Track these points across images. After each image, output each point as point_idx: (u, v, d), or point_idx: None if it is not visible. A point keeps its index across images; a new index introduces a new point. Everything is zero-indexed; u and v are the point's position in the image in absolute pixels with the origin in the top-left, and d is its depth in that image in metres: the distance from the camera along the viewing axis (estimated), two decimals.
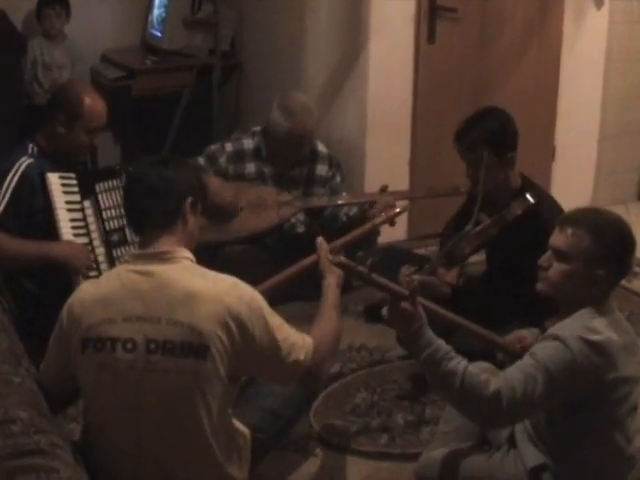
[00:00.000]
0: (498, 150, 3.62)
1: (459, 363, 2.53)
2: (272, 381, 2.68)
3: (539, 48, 5.58)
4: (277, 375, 2.61)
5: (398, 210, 3.74)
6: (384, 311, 2.68)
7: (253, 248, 4.51)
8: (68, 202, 3.63)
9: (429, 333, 2.59)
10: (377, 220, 3.62)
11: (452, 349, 2.58)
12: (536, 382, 2.49)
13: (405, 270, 3.72)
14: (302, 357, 2.59)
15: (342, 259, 2.71)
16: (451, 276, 3.78)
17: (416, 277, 3.57)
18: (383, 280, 2.67)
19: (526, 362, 2.56)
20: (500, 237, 3.66)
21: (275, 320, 2.58)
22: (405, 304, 2.60)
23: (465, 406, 2.59)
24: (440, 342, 2.57)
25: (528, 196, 3.55)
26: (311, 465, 3.36)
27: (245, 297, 2.52)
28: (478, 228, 3.55)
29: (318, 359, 2.63)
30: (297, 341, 2.60)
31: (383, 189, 4.48)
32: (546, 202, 3.69)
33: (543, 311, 2.95)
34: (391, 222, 3.75)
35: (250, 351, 2.50)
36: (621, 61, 5.89)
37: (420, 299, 2.66)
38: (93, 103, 3.71)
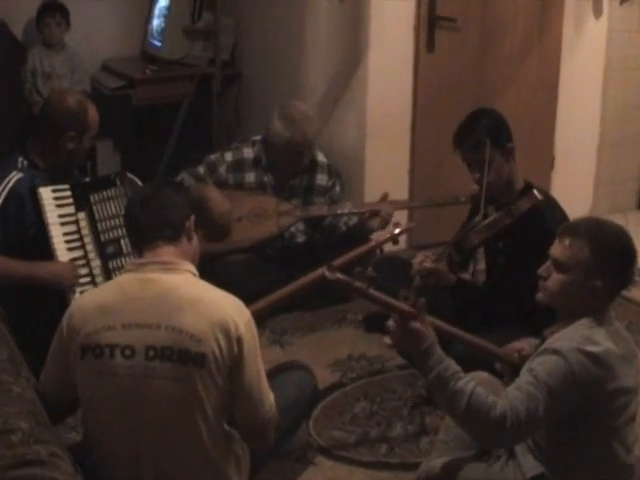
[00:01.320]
0: (500, 142, 3.69)
1: (467, 383, 2.52)
2: (236, 412, 2.62)
3: (538, 57, 5.59)
4: (244, 406, 2.59)
5: (402, 229, 3.77)
6: (386, 339, 2.67)
7: (253, 257, 4.51)
8: (61, 216, 3.57)
9: (439, 352, 2.59)
10: (381, 239, 3.66)
11: (461, 369, 2.58)
12: (538, 402, 2.49)
13: (418, 258, 3.76)
14: (271, 399, 2.64)
15: (339, 275, 2.70)
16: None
17: (427, 264, 3.63)
18: (381, 295, 2.67)
19: (526, 380, 2.55)
20: (502, 240, 3.69)
21: (260, 355, 2.61)
22: (415, 323, 2.60)
23: (470, 427, 2.58)
24: (450, 361, 2.57)
25: (535, 192, 3.61)
26: (310, 475, 3.35)
27: (246, 315, 2.56)
28: (487, 220, 3.62)
29: (275, 417, 2.67)
30: (268, 388, 2.64)
31: (384, 197, 4.50)
32: (551, 206, 3.72)
33: (543, 320, 2.95)
34: (395, 241, 3.78)
35: (238, 368, 2.51)
36: (620, 70, 5.89)
37: (428, 318, 2.66)
38: (93, 111, 3.72)
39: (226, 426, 2.59)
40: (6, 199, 3.52)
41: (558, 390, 2.51)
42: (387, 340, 2.65)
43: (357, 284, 2.64)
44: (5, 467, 2.01)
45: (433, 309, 2.70)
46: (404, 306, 2.62)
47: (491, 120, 3.75)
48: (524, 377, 2.59)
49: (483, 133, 3.65)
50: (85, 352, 2.51)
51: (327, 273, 2.74)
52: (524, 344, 3.10)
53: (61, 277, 3.50)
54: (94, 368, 2.52)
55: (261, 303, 3.15)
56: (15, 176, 3.56)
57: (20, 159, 3.64)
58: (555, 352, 2.55)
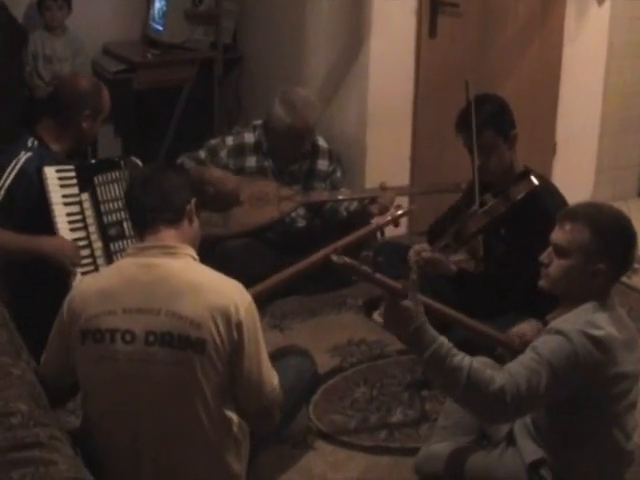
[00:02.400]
0: (503, 129, 3.69)
1: (464, 359, 2.52)
2: (238, 396, 2.62)
3: (541, 43, 5.57)
4: (246, 390, 2.59)
5: (403, 211, 3.76)
6: (375, 315, 2.68)
7: (254, 242, 4.51)
8: (65, 196, 3.59)
9: (431, 330, 2.57)
10: (382, 221, 3.65)
11: (454, 345, 2.57)
12: (540, 377, 2.49)
13: (415, 248, 3.77)
14: (275, 382, 2.65)
15: (346, 259, 2.70)
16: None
17: (425, 254, 3.63)
18: (387, 280, 2.67)
19: (529, 357, 2.55)
20: (503, 227, 3.69)
21: (262, 337, 2.61)
22: (406, 302, 2.58)
23: (470, 402, 2.58)
24: (443, 338, 2.56)
25: (532, 178, 3.60)
26: (310, 459, 3.35)
27: (247, 300, 2.56)
28: (485, 208, 3.60)
29: (279, 398, 2.68)
30: (271, 369, 2.65)
31: (383, 187, 4.50)
32: (550, 191, 3.72)
33: (545, 306, 2.95)
34: (395, 223, 3.77)
35: (238, 353, 2.51)
36: (622, 57, 5.88)
37: (422, 297, 2.65)
38: (106, 93, 3.80)
39: (226, 411, 2.59)
40: (16, 177, 3.53)
41: (560, 369, 2.50)
42: (377, 316, 2.66)
43: (363, 268, 2.64)
44: (5, 449, 2.02)
45: (437, 300, 2.70)
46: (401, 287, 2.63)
47: (494, 106, 3.74)
48: (527, 354, 2.58)
49: (486, 118, 3.64)
50: (85, 336, 2.52)
51: (334, 257, 2.74)
52: (527, 327, 3.10)
53: (63, 252, 3.50)
54: (94, 353, 2.52)
55: (261, 286, 3.14)
56: (24, 155, 3.58)
57: (30, 139, 3.66)
58: (559, 332, 2.55)
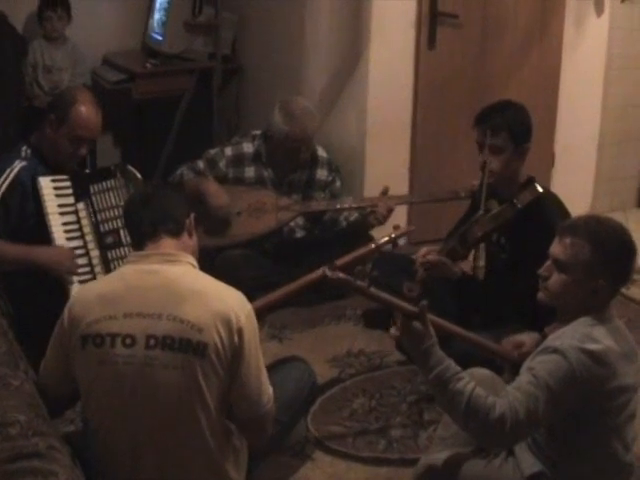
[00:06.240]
0: (518, 138, 3.69)
1: (467, 385, 2.51)
2: (235, 403, 2.61)
3: (539, 54, 5.58)
4: (242, 397, 2.58)
5: (401, 232, 3.79)
6: (392, 330, 2.68)
7: (252, 252, 4.51)
8: (61, 205, 3.59)
9: (439, 352, 2.58)
10: (380, 242, 3.68)
11: (461, 370, 2.57)
12: (538, 401, 2.48)
13: (422, 250, 3.81)
14: (270, 393, 2.64)
15: (340, 275, 2.71)
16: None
17: (431, 257, 3.68)
18: (382, 293, 2.67)
19: (526, 380, 2.54)
20: (504, 236, 3.69)
21: (260, 349, 2.62)
22: (416, 322, 2.59)
23: (470, 427, 2.58)
24: (450, 362, 2.56)
25: (537, 185, 3.62)
26: (308, 470, 3.35)
27: (247, 307, 2.58)
28: (490, 213, 3.62)
29: (273, 410, 2.67)
30: (267, 380, 2.65)
31: (385, 191, 4.50)
32: (552, 201, 3.72)
33: (544, 317, 2.95)
34: (395, 243, 3.79)
35: (238, 359, 2.52)
36: (621, 68, 5.89)
37: (429, 316, 2.65)
38: (84, 112, 3.62)
39: (226, 420, 2.59)
40: (10, 187, 3.53)
41: (558, 389, 2.50)
42: (393, 331, 2.65)
43: (358, 283, 2.64)
44: (3, 460, 2.02)
45: (436, 306, 2.70)
46: (406, 305, 2.62)
47: (520, 114, 3.77)
48: (524, 376, 2.58)
49: (507, 121, 3.66)
50: (86, 341, 2.52)
51: (328, 272, 2.75)
52: (525, 338, 3.10)
53: (59, 262, 3.50)
54: (95, 357, 2.52)
55: (260, 302, 3.14)
56: (18, 165, 3.57)
57: (24, 148, 3.65)
58: (555, 351, 2.54)
